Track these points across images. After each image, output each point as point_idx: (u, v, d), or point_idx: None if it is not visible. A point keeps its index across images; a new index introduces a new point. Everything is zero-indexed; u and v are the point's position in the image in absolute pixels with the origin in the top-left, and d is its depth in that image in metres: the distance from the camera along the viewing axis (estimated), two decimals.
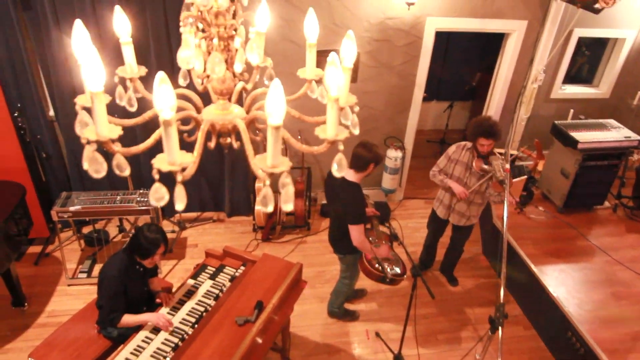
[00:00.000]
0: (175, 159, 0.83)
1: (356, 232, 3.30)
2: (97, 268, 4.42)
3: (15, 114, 4.03)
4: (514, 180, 4.55)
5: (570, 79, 5.94)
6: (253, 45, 1.10)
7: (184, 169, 0.86)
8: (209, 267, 3.41)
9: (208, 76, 1.06)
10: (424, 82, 5.13)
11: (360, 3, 4.48)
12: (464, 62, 7.26)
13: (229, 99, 1.14)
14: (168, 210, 5.15)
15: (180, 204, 0.89)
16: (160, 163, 0.83)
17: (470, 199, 4.03)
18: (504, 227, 3.21)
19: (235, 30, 1.08)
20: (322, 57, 4.72)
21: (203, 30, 1.05)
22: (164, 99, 0.76)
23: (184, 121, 1.12)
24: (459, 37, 6.84)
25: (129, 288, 2.86)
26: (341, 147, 1.00)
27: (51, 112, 4.36)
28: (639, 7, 5.26)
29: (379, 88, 5.03)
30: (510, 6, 4.78)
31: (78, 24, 0.91)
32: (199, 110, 1.12)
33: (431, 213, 4.42)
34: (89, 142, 0.84)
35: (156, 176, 0.82)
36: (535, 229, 4.79)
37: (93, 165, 0.86)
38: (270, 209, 0.92)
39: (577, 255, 4.48)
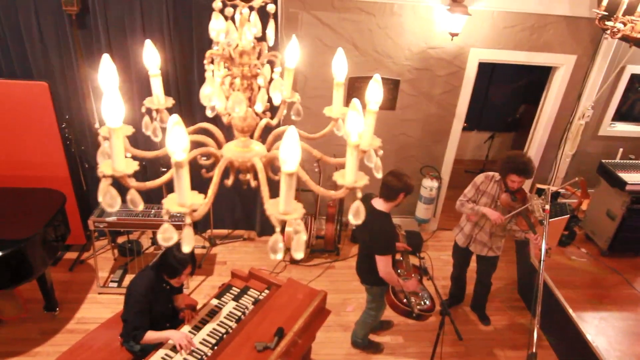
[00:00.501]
0: (185, 200, 0.82)
1: (383, 264, 3.22)
2: (128, 278, 4.51)
3: (63, 125, 4.22)
4: (554, 219, 4.35)
5: (621, 115, 5.68)
6: (277, 85, 1.09)
7: (195, 210, 0.85)
8: (233, 288, 3.40)
9: (229, 114, 1.06)
10: (464, 113, 5.03)
11: (402, 32, 4.47)
12: (509, 93, 7.09)
13: (251, 136, 1.13)
14: (200, 225, 5.21)
15: (187, 246, 0.88)
16: (170, 204, 0.83)
17: (492, 231, 3.90)
18: (541, 273, 3.06)
19: (259, 69, 1.08)
20: (362, 83, 4.74)
21: (228, 68, 1.05)
22: (177, 141, 0.76)
23: (206, 154, 1.11)
24: (504, 66, 6.69)
25: (154, 305, 2.88)
26: (359, 194, 0.96)
27: (96, 125, 4.53)
28: None
29: (417, 116, 4.97)
30: (559, 40, 4.64)
31: (106, 59, 0.93)
32: (221, 145, 1.12)
33: (454, 244, 4.30)
34: (104, 176, 0.85)
35: (165, 217, 0.81)
36: (576, 272, 4.55)
37: (107, 199, 0.86)
38: (279, 256, 0.89)
39: (620, 304, 4.21)
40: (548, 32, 4.59)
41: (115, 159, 0.86)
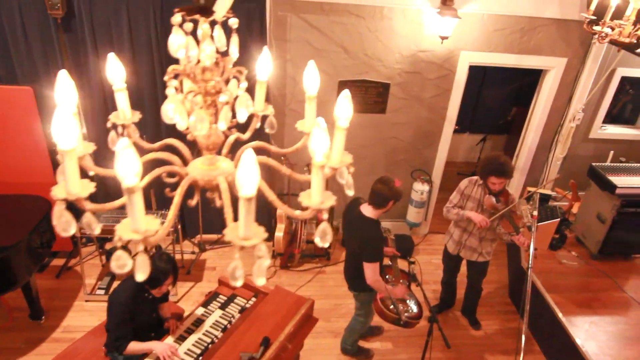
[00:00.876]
0: (139, 226, 0.78)
1: (370, 271, 3.19)
2: (116, 285, 4.45)
3: (49, 131, 4.16)
4: (545, 223, 4.33)
5: (612, 118, 5.69)
6: (243, 101, 1.05)
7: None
8: (220, 296, 3.36)
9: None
10: (455, 116, 5.01)
11: (392, 35, 4.44)
12: (500, 95, 7.08)
13: (220, 152, 1.09)
14: (190, 230, 5.17)
15: (141, 275, 0.84)
16: (123, 230, 0.79)
17: (481, 235, 3.88)
18: (528, 276, 3.04)
19: (223, 86, 1.04)
20: (352, 86, 4.70)
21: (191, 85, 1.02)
22: (128, 165, 0.72)
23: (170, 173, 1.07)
24: (496, 69, 6.68)
25: (136, 315, 2.84)
26: (325, 216, 0.93)
27: (83, 130, 4.47)
28: None
29: (408, 120, 4.94)
30: (549, 43, 4.63)
31: (62, 75, 0.88)
32: (188, 163, 1.08)
33: (444, 249, 4.28)
34: (58, 200, 0.81)
35: (118, 244, 0.77)
36: (566, 276, 4.53)
37: (61, 223, 0.82)
38: (239, 283, 0.86)
39: (611, 308, 4.19)
40: (538, 35, 4.58)
41: (69, 181, 0.82)
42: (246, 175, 0.73)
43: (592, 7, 2.98)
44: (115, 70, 1.08)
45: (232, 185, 1.03)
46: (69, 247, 4.68)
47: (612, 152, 5.21)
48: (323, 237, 0.92)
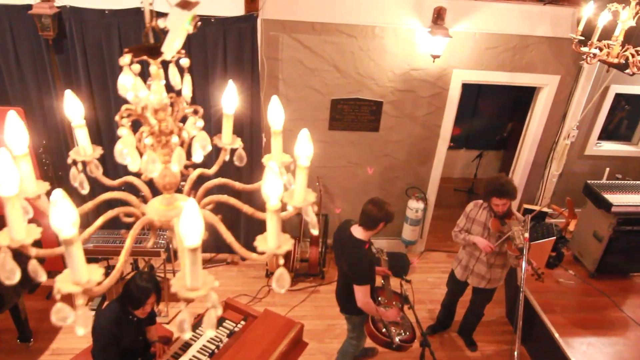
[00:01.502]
0: (80, 277, 0.75)
1: (361, 294, 3.14)
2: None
3: (40, 150, 4.15)
4: (540, 241, 4.28)
5: (608, 134, 5.66)
6: (200, 139, 1.02)
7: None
8: None
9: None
10: (449, 134, 4.99)
11: (384, 54, 4.45)
12: (496, 111, 7.08)
13: (184, 189, 1.06)
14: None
15: (81, 329, 0.80)
16: (63, 282, 0.76)
17: (490, 262, 3.82)
18: (520, 300, 2.99)
19: (177, 126, 1.01)
20: (345, 104, 4.69)
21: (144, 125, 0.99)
22: (64, 216, 0.69)
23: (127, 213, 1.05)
24: (490, 85, 6.69)
25: (122, 339, 2.79)
26: (281, 261, 0.90)
27: None
28: None
29: (401, 138, 4.93)
30: (541, 61, 4.63)
31: (11, 115, 0.86)
32: (147, 201, 1.05)
33: (450, 273, 4.21)
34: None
35: (57, 296, 0.74)
36: (563, 295, 4.46)
37: (5, 272, 0.79)
38: (187, 336, 0.82)
39: (608, 328, 4.12)
40: (530, 52, 4.58)
41: (13, 227, 0.79)
42: (189, 226, 0.71)
43: (580, 27, 2.97)
44: (73, 107, 1.06)
45: None
46: (59, 267, 4.62)
47: (607, 169, 5.17)
48: (279, 283, 0.89)
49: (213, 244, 5.20)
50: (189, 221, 0.71)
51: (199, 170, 1.13)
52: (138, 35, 3.96)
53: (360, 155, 4.93)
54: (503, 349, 4.44)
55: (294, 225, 5.23)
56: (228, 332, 3.18)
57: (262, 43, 4.21)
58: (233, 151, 1.22)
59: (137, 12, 3.83)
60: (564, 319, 4.16)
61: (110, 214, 0.96)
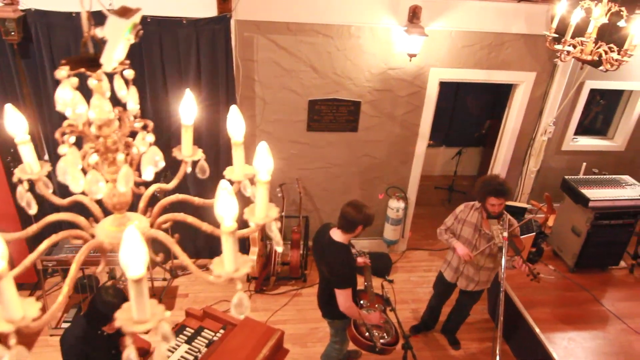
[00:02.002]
0: (13, 315, 0.68)
1: (343, 298, 3.10)
2: None
3: (8, 159, 4.00)
4: (521, 237, 4.30)
5: (583, 129, 5.72)
6: (150, 157, 0.96)
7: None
8: (187, 329, 3.23)
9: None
10: (428, 132, 4.98)
11: (361, 54, 4.41)
12: (474, 109, 7.11)
13: (146, 207, 1.00)
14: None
15: None
16: None
17: (480, 264, 3.79)
18: (501, 298, 2.98)
19: (125, 141, 0.94)
20: (323, 105, 4.63)
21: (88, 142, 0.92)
22: None
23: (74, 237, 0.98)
24: (468, 83, 6.72)
25: (91, 355, 2.68)
26: (239, 286, 0.84)
27: (46, 157, 4.33)
28: None
29: (380, 137, 4.90)
30: (517, 58, 4.65)
31: None
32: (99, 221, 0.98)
33: (438, 274, 4.17)
34: None
35: None
36: (544, 291, 4.48)
37: None
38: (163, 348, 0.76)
39: (589, 322, 4.15)
40: (506, 50, 4.59)
41: None
42: (130, 255, 0.65)
43: (554, 24, 2.97)
44: (15, 122, 0.98)
45: (147, 244, 0.93)
46: (33, 279, 4.49)
47: (584, 164, 5.22)
48: (238, 308, 0.83)
49: (192, 249, 5.11)
50: (130, 250, 0.65)
51: (154, 187, 1.06)
52: None
53: (339, 156, 4.88)
54: (486, 346, 4.45)
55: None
56: (207, 341, 3.11)
57: (236, 44, 4.13)
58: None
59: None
60: (545, 315, 4.18)
61: (54, 238, 0.89)
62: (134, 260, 0.65)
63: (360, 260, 3.53)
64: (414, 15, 4.16)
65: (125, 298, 2.78)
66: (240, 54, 4.21)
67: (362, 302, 3.47)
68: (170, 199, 1.05)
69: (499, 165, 5.39)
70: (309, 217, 5.11)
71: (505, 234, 3.23)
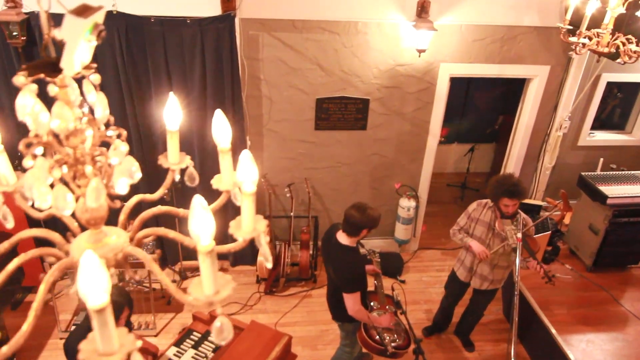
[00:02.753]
0: None
1: (351, 302, 3.02)
2: None
3: (16, 162, 4.00)
4: (536, 236, 4.17)
5: (600, 124, 5.55)
6: (123, 169, 0.89)
7: None
8: (194, 333, 3.18)
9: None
10: (439, 129, 4.87)
11: (368, 51, 4.31)
12: (486, 104, 6.96)
13: (127, 219, 0.93)
14: (170, 257, 4.99)
15: None
16: None
17: (494, 262, 3.68)
18: (516, 298, 2.88)
19: (93, 152, 0.87)
20: (330, 103, 4.55)
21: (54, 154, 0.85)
22: None
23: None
24: (480, 78, 6.57)
25: None
26: (219, 310, 0.77)
27: None
28: None
29: (390, 135, 4.80)
30: (530, 52, 4.51)
31: None
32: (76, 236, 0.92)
33: (451, 274, 4.07)
34: None
35: None
36: (561, 291, 4.35)
37: None
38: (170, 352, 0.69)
39: (608, 323, 4.02)
40: (519, 43, 4.46)
41: None
42: (90, 284, 0.58)
43: (568, 16, 2.85)
44: None
45: (123, 263, 0.87)
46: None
47: (602, 159, 5.07)
48: (219, 335, 0.76)
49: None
50: (89, 278, 0.58)
51: (137, 197, 1.00)
52: (111, 37, 3.81)
53: (348, 154, 4.80)
54: (501, 348, 4.34)
55: (283, 229, 5.11)
56: (214, 346, 3.06)
57: (241, 43, 4.06)
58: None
59: (110, 15, 3.68)
60: (562, 316, 4.06)
61: (23, 257, 0.83)
62: (93, 289, 0.58)
63: (369, 267, 3.45)
64: (423, 9, 4.05)
65: (129, 298, 2.74)
66: (245, 53, 4.15)
67: (372, 303, 3.39)
68: (152, 212, 0.99)
69: (513, 161, 5.26)
70: (318, 217, 5.04)
71: (520, 235, 3.12)
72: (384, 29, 4.24)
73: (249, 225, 0.84)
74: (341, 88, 4.46)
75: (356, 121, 4.63)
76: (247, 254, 5.06)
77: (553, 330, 3.81)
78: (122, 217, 0.97)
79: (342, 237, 3.04)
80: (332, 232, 3.21)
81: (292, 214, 4.78)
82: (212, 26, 3.86)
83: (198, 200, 0.70)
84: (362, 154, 4.84)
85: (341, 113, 4.57)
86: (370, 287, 3.42)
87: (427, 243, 5.65)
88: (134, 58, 3.94)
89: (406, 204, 5.03)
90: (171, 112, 1.00)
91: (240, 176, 0.81)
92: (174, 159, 1.05)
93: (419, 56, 4.21)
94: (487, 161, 7.24)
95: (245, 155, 0.82)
